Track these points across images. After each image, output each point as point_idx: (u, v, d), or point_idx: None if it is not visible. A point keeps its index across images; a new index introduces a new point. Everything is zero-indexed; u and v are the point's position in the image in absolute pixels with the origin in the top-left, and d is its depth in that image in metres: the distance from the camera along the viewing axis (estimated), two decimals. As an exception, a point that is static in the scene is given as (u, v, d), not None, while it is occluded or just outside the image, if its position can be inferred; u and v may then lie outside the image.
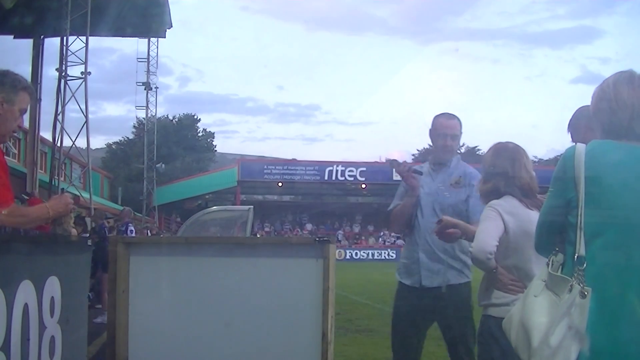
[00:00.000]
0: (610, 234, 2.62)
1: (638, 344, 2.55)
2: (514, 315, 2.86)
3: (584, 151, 2.69)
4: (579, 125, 4.11)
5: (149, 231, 30.86)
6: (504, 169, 3.92)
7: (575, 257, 2.61)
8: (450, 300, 4.74)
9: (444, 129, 4.96)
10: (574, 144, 3.98)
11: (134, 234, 14.45)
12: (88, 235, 12.55)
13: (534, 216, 3.50)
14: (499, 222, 3.76)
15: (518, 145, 4.05)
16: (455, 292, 4.76)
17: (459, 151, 5.10)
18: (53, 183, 22.37)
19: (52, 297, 3.43)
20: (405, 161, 4.97)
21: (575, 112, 4.15)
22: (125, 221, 15.46)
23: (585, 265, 2.58)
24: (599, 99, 2.82)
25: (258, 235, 30.63)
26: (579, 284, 2.56)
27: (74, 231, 4.44)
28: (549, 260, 2.80)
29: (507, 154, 3.98)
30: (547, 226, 2.90)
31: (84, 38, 22.92)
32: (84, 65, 23.36)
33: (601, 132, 2.82)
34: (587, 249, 2.60)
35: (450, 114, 5.04)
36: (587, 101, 2.91)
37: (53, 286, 3.45)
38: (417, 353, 5.00)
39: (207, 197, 53.90)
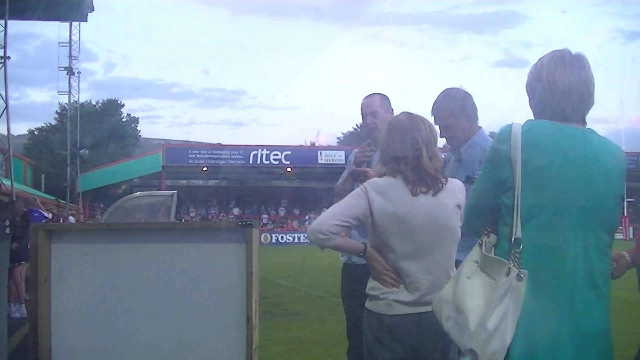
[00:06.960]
0: (543, 216, 2.60)
1: (570, 326, 2.57)
2: (444, 297, 2.78)
3: (520, 132, 2.63)
4: (441, 108, 4.20)
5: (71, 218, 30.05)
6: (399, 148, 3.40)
7: (512, 239, 2.58)
8: None
9: (363, 108, 5.08)
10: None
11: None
12: (9, 221, 12.26)
13: (412, 202, 3.29)
14: (361, 201, 3.34)
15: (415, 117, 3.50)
16: None
17: None
18: (-28, 171, 21.80)
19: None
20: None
21: (439, 95, 4.25)
22: (30, 208, 15.25)
23: (521, 247, 2.56)
24: (533, 78, 2.80)
25: (183, 221, 30.26)
26: (516, 267, 2.54)
27: None
28: (481, 241, 2.75)
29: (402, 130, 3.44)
30: (479, 207, 2.85)
31: (2, 22, 22.31)
32: (3, 50, 22.72)
33: (536, 111, 2.81)
34: (522, 230, 2.58)
35: (372, 93, 5.12)
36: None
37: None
38: None
39: (134, 181, 53.21)
